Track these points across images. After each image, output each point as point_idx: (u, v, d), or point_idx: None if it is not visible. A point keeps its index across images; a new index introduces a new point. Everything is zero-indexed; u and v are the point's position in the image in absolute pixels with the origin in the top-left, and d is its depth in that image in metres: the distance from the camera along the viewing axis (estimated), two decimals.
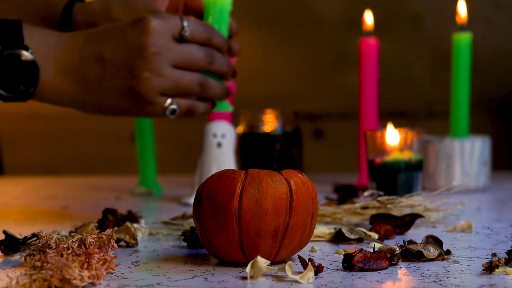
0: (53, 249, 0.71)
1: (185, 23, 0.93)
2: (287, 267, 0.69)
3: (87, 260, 0.69)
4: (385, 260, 0.74)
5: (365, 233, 0.87)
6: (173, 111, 0.93)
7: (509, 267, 0.72)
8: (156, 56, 0.90)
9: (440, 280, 0.69)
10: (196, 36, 0.94)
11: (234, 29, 1.01)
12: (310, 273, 0.69)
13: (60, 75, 0.91)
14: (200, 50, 0.94)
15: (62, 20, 1.02)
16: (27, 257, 0.74)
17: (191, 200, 1.15)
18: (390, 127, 1.13)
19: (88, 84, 0.92)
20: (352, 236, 0.86)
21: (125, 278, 0.71)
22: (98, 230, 0.74)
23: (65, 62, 0.91)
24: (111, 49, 0.91)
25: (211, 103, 0.98)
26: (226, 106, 1.01)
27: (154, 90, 0.91)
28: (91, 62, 0.91)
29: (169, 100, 0.93)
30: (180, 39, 0.93)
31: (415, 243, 0.78)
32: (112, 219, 0.91)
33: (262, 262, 0.70)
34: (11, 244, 0.81)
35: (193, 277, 0.71)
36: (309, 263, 0.70)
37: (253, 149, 1.32)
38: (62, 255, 0.70)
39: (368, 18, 1.36)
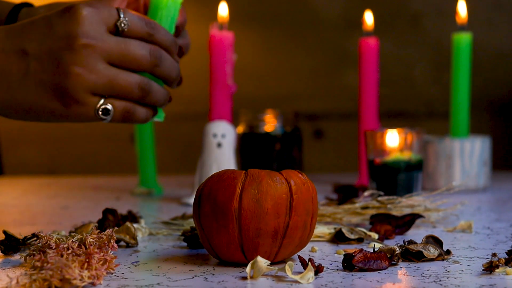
0: (53, 249, 0.71)
1: (122, 14, 0.80)
2: (287, 267, 0.69)
3: (87, 260, 0.69)
4: (385, 260, 0.74)
5: (365, 233, 0.87)
6: (106, 111, 0.80)
7: (509, 267, 0.72)
8: (87, 48, 0.78)
9: (440, 280, 0.69)
10: (135, 30, 0.81)
11: (182, 21, 0.88)
12: (310, 273, 0.69)
13: None
14: (144, 48, 0.81)
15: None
16: (27, 257, 0.74)
17: (191, 200, 1.15)
18: (390, 131, 1.13)
19: (10, 81, 0.80)
20: (352, 236, 0.86)
21: (125, 278, 0.71)
22: (98, 230, 0.74)
23: None
24: (35, 42, 0.79)
25: (152, 110, 0.85)
26: (161, 115, 0.87)
27: (85, 87, 0.79)
28: (13, 57, 0.79)
29: (102, 100, 0.80)
30: (116, 32, 0.80)
31: (415, 243, 0.78)
32: (112, 219, 0.91)
33: (262, 262, 0.70)
34: (11, 244, 0.81)
35: (193, 277, 0.71)
36: (309, 263, 0.70)
37: (253, 149, 1.32)
38: (62, 255, 0.70)
39: (368, 18, 1.36)
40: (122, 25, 0.80)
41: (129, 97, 0.82)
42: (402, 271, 0.73)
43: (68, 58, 0.78)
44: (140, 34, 0.82)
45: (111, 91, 0.81)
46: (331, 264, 0.76)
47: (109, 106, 0.81)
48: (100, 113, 0.80)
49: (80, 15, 0.78)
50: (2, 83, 0.80)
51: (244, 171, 0.73)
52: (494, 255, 0.75)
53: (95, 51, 0.79)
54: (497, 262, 0.72)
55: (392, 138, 1.13)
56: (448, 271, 0.73)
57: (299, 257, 0.72)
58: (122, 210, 1.01)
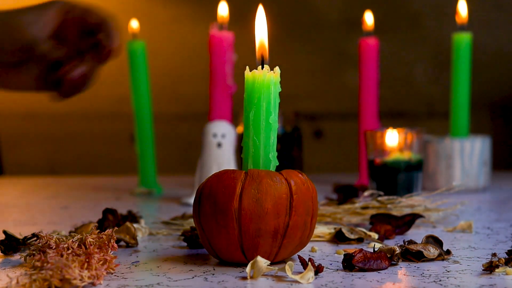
0: (53, 249, 0.71)
1: None
2: (287, 267, 0.69)
3: (87, 260, 0.69)
4: (385, 260, 0.74)
5: (365, 233, 0.87)
6: None
7: (509, 267, 0.72)
8: None
9: (440, 280, 0.69)
10: None
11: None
12: (310, 273, 0.69)
13: None
14: None
15: None
16: (27, 257, 0.74)
17: (191, 200, 1.15)
18: (390, 130, 1.13)
19: None
20: (352, 236, 0.86)
21: (125, 278, 0.71)
22: (98, 230, 0.74)
23: None
24: None
25: None
26: None
27: None
28: None
29: None
30: None
31: (415, 243, 0.78)
32: (112, 219, 0.91)
33: (262, 262, 0.70)
34: (11, 244, 0.81)
35: (193, 277, 0.71)
36: (309, 263, 0.70)
37: None
38: (62, 255, 0.70)
39: (368, 18, 1.36)
40: None
41: None
42: (402, 271, 0.73)
43: None
44: None
45: None
46: (331, 264, 0.76)
47: None
48: None
49: None
50: None
51: (244, 171, 0.73)
52: (494, 255, 0.75)
53: None
54: (497, 262, 0.72)
55: (392, 138, 1.13)
56: (448, 271, 0.73)
57: (299, 257, 0.72)
58: (122, 210, 1.01)
